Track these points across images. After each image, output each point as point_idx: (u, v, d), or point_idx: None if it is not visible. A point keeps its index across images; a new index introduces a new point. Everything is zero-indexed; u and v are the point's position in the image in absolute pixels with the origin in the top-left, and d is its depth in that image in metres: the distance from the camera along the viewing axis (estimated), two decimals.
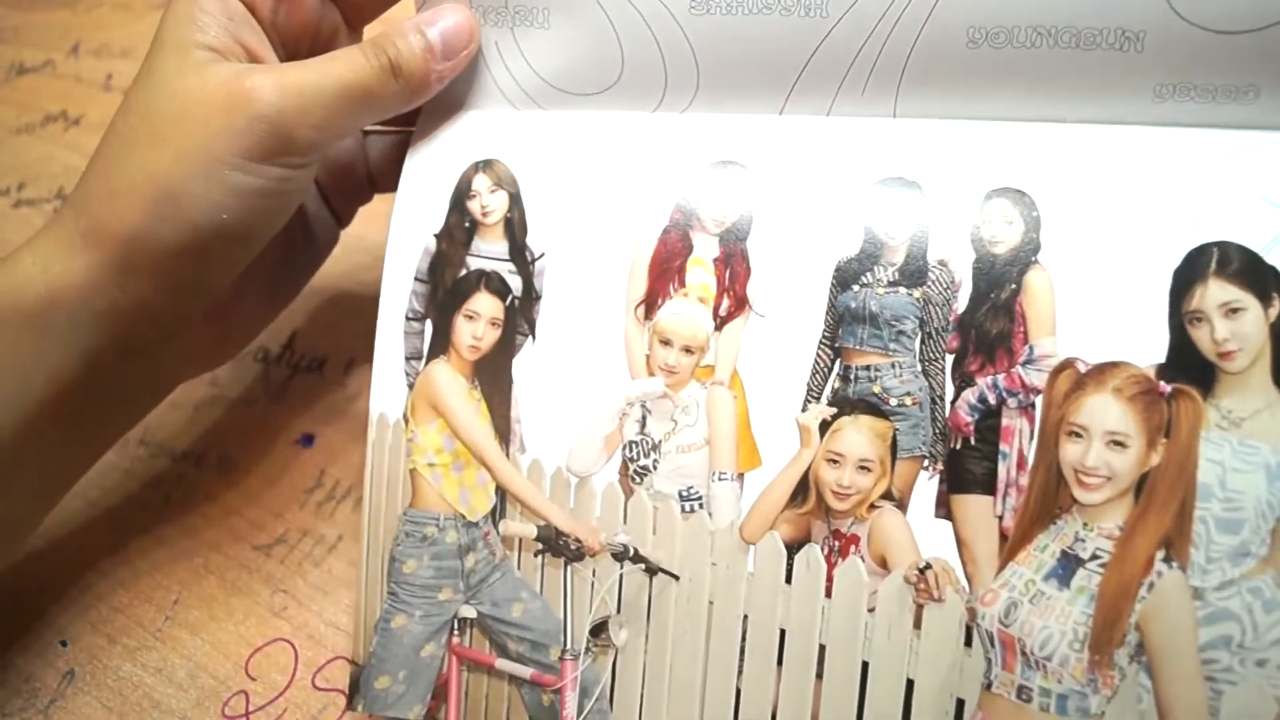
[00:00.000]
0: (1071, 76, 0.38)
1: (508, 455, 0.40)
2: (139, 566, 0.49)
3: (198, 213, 0.37)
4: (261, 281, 0.42)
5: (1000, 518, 0.37)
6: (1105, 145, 0.38)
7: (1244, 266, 0.36)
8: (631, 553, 0.38)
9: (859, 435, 0.38)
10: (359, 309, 0.53)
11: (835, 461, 0.38)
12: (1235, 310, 0.36)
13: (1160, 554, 0.35)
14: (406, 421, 0.40)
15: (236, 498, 0.50)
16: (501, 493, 0.40)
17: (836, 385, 0.38)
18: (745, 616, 0.38)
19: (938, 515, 0.37)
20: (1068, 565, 0.36)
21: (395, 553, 0.40)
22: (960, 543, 0.37)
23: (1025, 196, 0.38)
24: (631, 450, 0.39)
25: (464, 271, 0.40)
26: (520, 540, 0.39)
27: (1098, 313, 0.37)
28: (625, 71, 0.40)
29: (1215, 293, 0.36)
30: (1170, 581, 0.35)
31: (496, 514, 0.40)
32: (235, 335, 0.46)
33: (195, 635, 0.47)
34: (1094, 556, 0.36)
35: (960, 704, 0.36)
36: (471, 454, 0.40)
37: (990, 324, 0.37)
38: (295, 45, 0.40)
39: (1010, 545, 0.37)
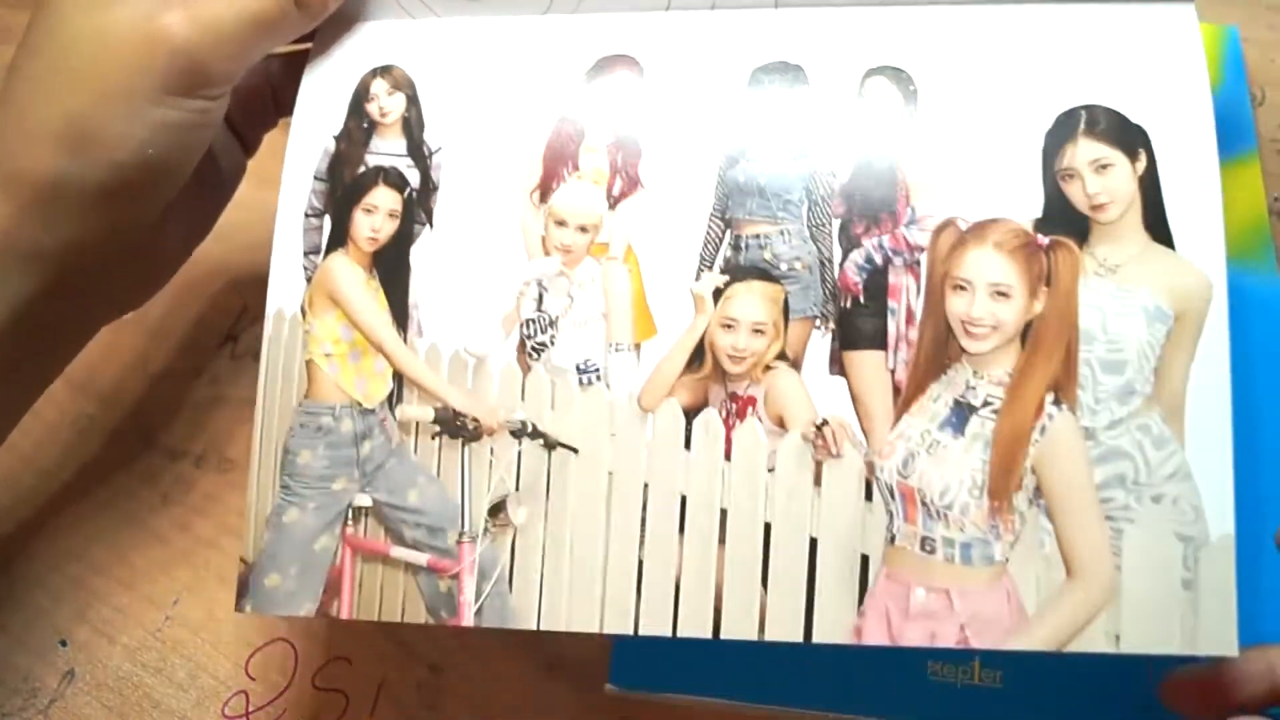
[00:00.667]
0: None
1: (405, 341, 0.39)
2: (139, 566, 0.48)
3: (120, 151, 0.37)
4: (177, 217, 0.42)
5: (893, 372, 0.37)
6: (977, 20, 0.40)
7: (1110, 126, 0.38)
8: (529, 429, 0.38)
9: (751, 299, 0.38)
10: None
11: (729, 326, 0.38)
12: (1104, 166, 0.38)
13: (1049, 397, 0.36)
14: (304, 314, 0.40)
15: (236, 497, 0.49)
16: (399, 378, 0.39)
17: (728, 254, 0.39)
18: (646, 485, 0.37)
19: (832, 372, 0.37)
20: (961, 414, 0.37)
21: (289, 444, 0.39)
22: (855, 398, 0.37)
23: (902, 73, 0.40)
24: (529, 328, 0.39)
25: (362, 169, 0.41)
26: (418, 424, 0.39)
27: (975, 174, 0.38)
28: None
29: (1085, 151, 0.38)
30: (1061, 423, 0.36)
31: (393, 399, 0.39)
32: (156, 272, 0.45)
33: (195, 635, 0.46)
34: (985, 403, 0.36)
35: (865, 561, 0.36)
36: (368, 341, 0.39)
37: (873, 190, 0.39)
38: None
39: (904, 398, 0.37)
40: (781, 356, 0.38)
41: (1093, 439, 0.35)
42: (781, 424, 0.37)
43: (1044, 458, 0.35)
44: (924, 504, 0.36)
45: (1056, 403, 0.36)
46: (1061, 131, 0.38)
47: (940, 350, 0.37)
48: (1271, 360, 0.45)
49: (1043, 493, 0.35)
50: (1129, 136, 0.38)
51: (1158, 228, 0.37)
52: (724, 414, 0.37)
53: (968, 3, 0.40)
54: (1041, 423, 0.36)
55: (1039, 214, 0.37)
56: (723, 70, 0.40)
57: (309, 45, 0.43)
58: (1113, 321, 0.36)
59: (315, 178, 0.41)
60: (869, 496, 0.36)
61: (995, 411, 0.36)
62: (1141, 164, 0.38)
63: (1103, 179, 0.38)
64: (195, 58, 0.37)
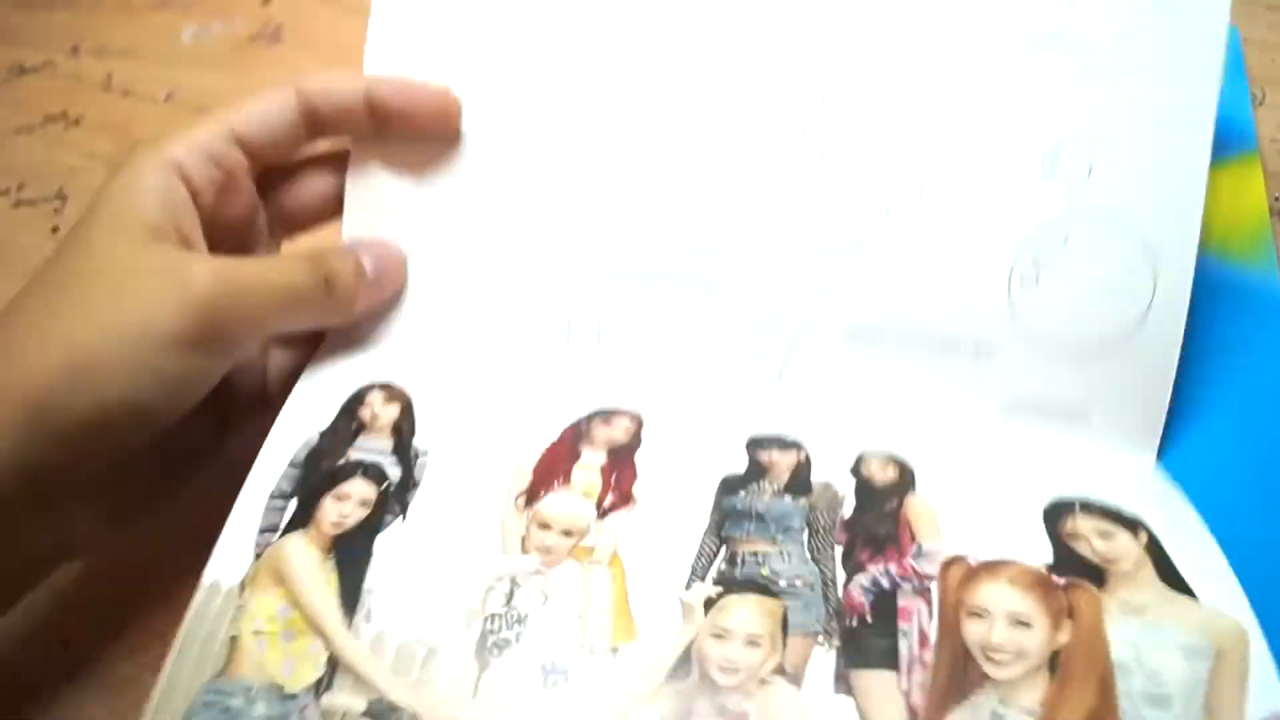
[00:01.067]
0: (935, 377, 0.42)
1: (350, 624, 0.34)
2: (139, 566, 0.44)
3: (112, 391, 0.36)
4: (139, 477, 0.40)
5: (907, 694, 0.32)
6: (968, 429, 0.41)
7: (1106, 512, 0.38)
8: None
9: (747, 612, 0.34)
10: None
11: (721, 637, 0.34)
12: (1108, 534, 0.37)
13: None
14: (242, 589, 0.35)
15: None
16: (333, 663, 0.33)
17: (723, 568, 0.36)
18: None
19: (837, 691, 0.32)
20: None
21: None
22: None
23: (898, 458, 0.40)
24: (493, 623, 0.34)
25: (343, 461, 0.39)
26: (344, 716, 0.32)
27: (980, 528, 0.37)
28: (532, 325, 0.43)
29: (1085, 523, 0.37)
30: None
31: (321, 686, 0.33)
32: (107, 528, 0.41)
33: None
34: None
35: None
36: (307, 621, 0.34)
37: (876, 527, 0.37)
38: (223, 240, 0.42)
39: None
40: (779, 671, 0.33)
41: None
42: None
43: None
44: None
45: None
46: (1058, 510, 0.38)
47: (960, 674, 0.33)
48: (1271, 361, 0.43)
49: None
50: (1126, 520, 0.37)
51: (1174, 583, 0.35)
52: None
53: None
54: None
55: (1050, 561, 0.36)
56: (722, 432, 0.41)
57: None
58: (1148, 655, 0.33)
59: (290, 464, 0.39)
60: None
61: None
62: (1144, 537, 0.37)
63: (1108, 542, 0.37)
64: (215, 316, 0.37)
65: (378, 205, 0.44)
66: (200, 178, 0.40)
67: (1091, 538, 0.37)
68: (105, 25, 0.70)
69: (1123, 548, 0.36)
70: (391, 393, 0.41)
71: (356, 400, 0.41)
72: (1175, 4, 0.41)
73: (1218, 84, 0.40)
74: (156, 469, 0.41)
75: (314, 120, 0.42)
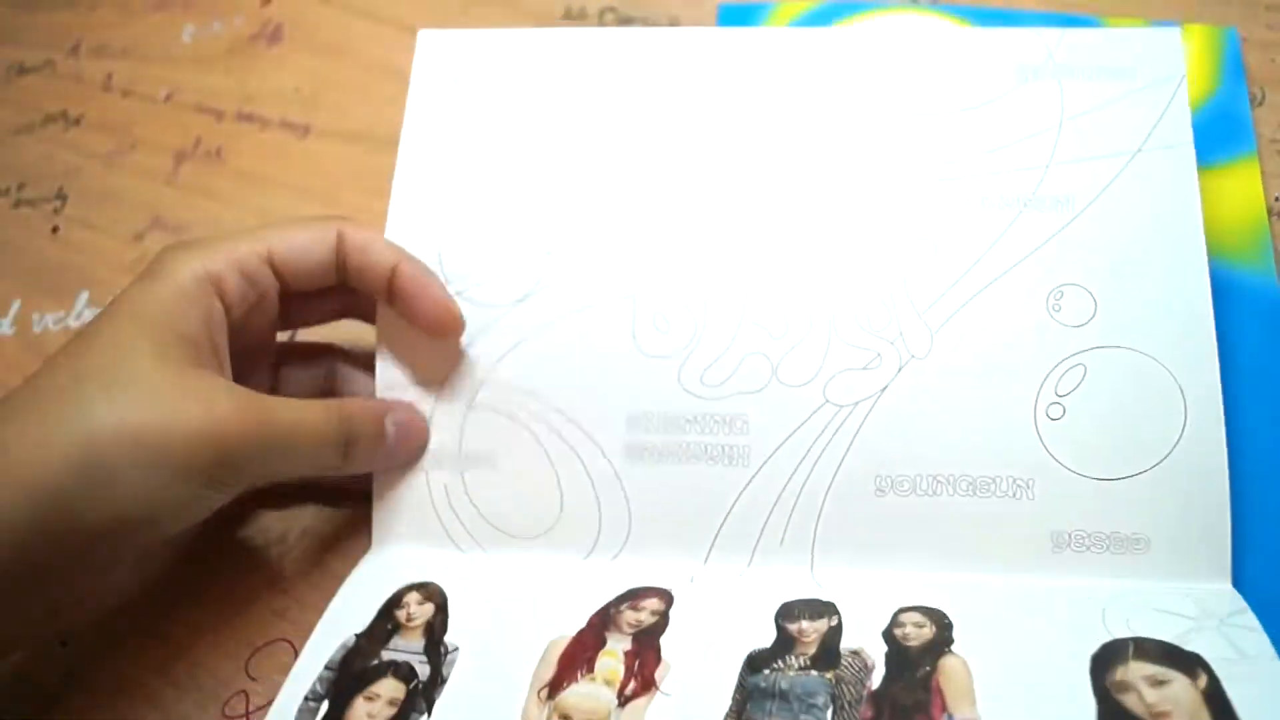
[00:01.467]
0: (972, 523, 0.41)
1: None
2: None
3: (120, 500, 0.35)
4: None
5: None
6: (1014, 569, 0.40)
7: (1164, 651, 0.36)
8: None
9: None
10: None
11: None
12: (1162, 682, 0.35)
13: None
14: None
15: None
16: None
17: None
18: None
19: None
20: None
21: None
22: None
23: (935, 609, 0.39)
24: None
25: (375, 661, 0.40)
26: None
27: (1018, 690, 0.35)
28: (564, 515, 0.44)
29: (1138, 669, 0.35)
30: None
31: None
32: (82, 609, 0.42)
33: (195, 635, 0.45)
34: None
35: None
36: None
37: (905, 697, 0.35)
38: (241, 354, 0.42)
39: None
40: None
41: None
42: None
43: None
44: None
45: None
46: (1109, 654, 0.36)
47: None
48: (1270, 361, 0.43)
49: None
50: (1186, 660, 0.35)
51: None
52: None
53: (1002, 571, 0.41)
54: None
55: (1093, 719, 0.33)
56: (753, 602, 0.40)
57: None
58: None
59: (326, 667, 0.40)
60: None
61: None
62: (1203, 681, 0.34)
63: (1161, 690, 0.34)
64: (233, 459, 0.38)
65: (403, 373, 0.46)
66: (235, 293, 0.41)
67: (1142, 688, 0.34)
68: (105, 25, 0.70)
69: (1175, 696, 0.34)
70: (427, 592, 0.42)
71: (394, 602, 0.42)
72: (1144, 148, 0.43)
73: (1197, 208, 0.42)
74: (137, 564, 0.42)
75: (344, 267, 0.43)
